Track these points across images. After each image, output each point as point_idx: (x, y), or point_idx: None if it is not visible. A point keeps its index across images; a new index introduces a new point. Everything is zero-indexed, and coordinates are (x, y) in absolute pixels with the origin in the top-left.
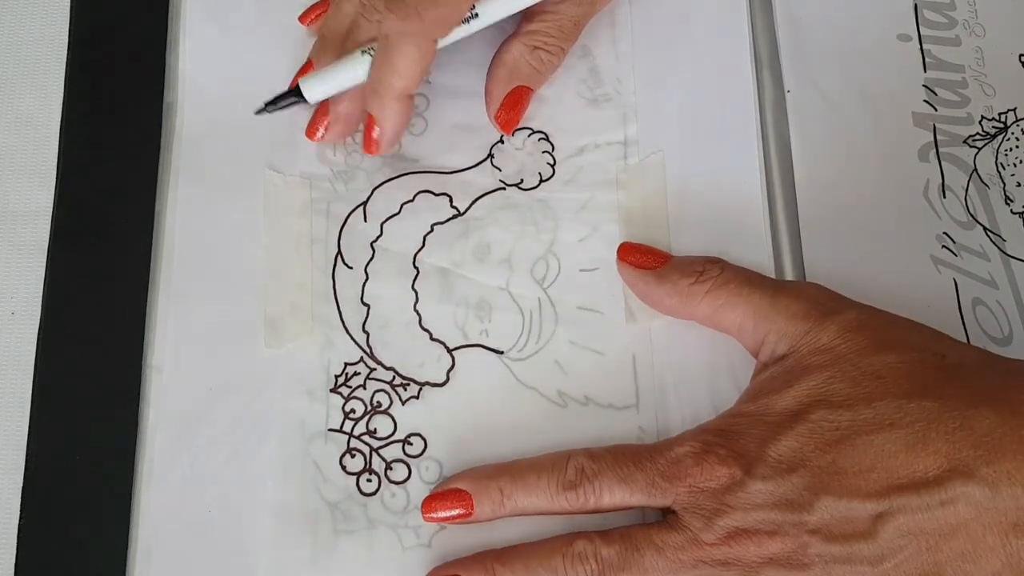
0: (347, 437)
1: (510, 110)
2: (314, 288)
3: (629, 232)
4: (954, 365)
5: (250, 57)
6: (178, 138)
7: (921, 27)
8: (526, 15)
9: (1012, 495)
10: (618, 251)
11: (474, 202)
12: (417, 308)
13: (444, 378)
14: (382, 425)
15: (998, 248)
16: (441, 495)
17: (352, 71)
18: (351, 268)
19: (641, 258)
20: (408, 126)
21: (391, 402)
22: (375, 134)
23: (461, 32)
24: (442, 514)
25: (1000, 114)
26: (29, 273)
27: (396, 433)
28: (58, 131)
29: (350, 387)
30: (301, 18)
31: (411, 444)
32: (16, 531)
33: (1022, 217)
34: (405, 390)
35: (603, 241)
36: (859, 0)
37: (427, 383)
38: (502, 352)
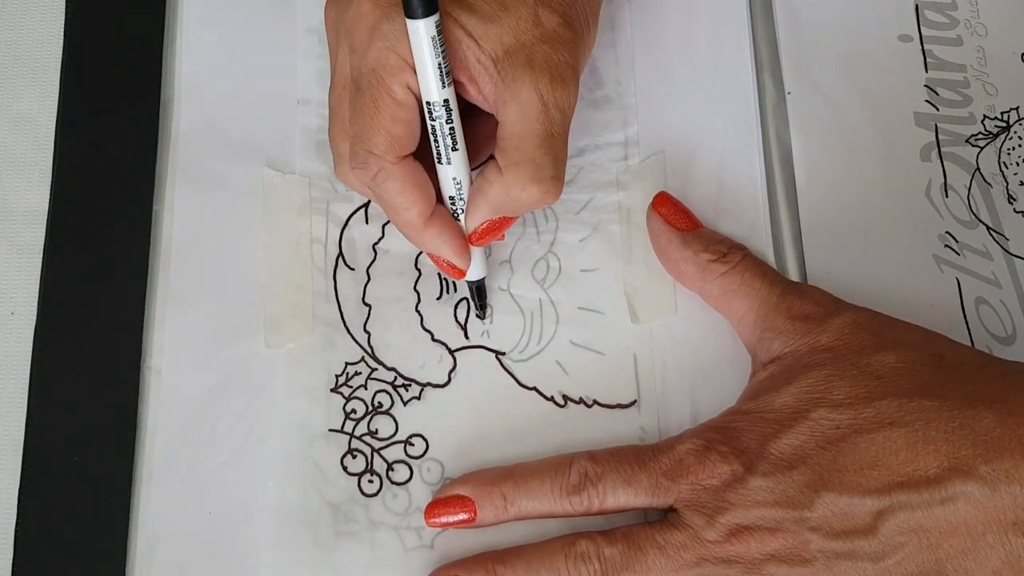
0: (348, 437)
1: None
2: (314, 288)
3: (630, 233)
4: (952, 365)
5: (247, 54)
6: (175, 136)
7: (922, 27)
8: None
9: (1010, 493)
10: (653, 199)
11: None
12: (419, 309)
13: (446, 379)
14: (383, 426)
15: (1001, 247)
16: (444, 501)
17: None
18: (353, 269)
19: (673, 214)
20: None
21: (392, 403)
22: (444, 265)
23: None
24: (445, 520)
25: (1003, 113)
26: (28, 273)
27: (397, 434)
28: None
29: (351, 387)
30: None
31: (412, 445)
32: (14, 532)
33: None
34: (407, 391)
35: (604, 242)
36: (860, 1)
37: (428, 384)
38: (503, 353)
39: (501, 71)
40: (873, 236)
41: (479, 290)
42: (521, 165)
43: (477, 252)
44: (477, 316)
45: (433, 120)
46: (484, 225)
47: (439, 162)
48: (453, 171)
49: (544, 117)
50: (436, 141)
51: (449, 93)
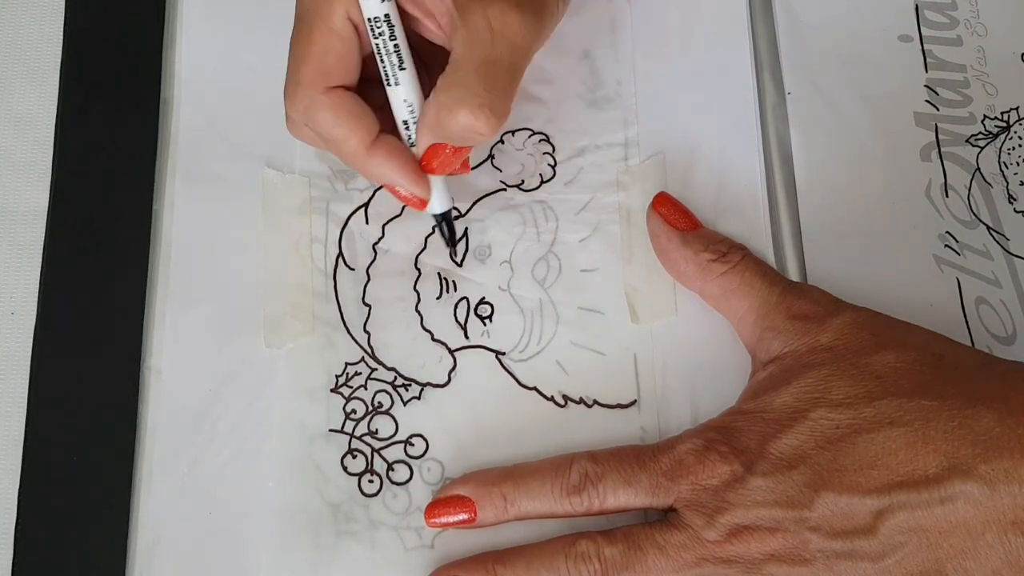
0: (348, 438)
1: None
2: (314, 288)
3: (630, 233)
4: (952, 365)
5: (248, 53)
6: (175, 136)
7: (922, 27)
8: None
9: (1010, 493)
10: (653, 199)
11: (475, 203)
12: (419, 309)
13: (446, 379)
14: (383, 426)
15: (1001, 247)
16: (444, 501)
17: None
18: (353, 269)
19: (673, 214)
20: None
21: (392, 403)
22: (403, 195)
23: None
24: (445, 520)
25: (1003, 113)
26: (29, 273)
27: (398, 434)
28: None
29: (351, 387)
30: None
31: (412, 445)
32: (14, 532)
33: None
34: (407, 391)
35: (604, 242)
36: (860, 1)
37: (428, 384)
38: (504, 353)
39: (456, 2)
40: (873, 236)
41: (447, 223)
42: (452, 87)
43: (437, 182)
44: (452, 259)
45: (376, 39)
46: (429, 150)
47: (388, 84)
48: (403, 92)
49: (487, 43)
50: (382, 61)
51: (390, 8)
